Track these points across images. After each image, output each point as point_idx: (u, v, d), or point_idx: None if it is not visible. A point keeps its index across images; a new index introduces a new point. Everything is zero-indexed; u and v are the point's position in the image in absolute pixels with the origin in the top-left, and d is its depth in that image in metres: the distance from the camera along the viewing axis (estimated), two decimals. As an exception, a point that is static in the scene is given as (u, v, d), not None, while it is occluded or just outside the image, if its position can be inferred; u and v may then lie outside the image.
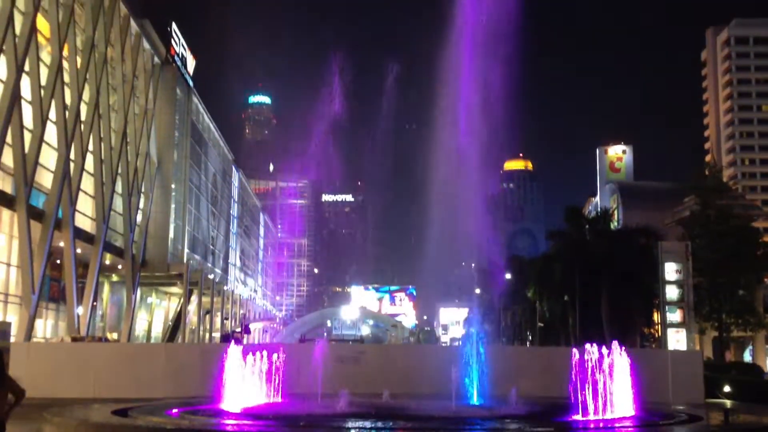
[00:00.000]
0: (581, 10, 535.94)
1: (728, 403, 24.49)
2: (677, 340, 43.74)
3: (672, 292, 44.29)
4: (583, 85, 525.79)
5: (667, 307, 44.04)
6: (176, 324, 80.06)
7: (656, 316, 56.48)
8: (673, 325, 44.10)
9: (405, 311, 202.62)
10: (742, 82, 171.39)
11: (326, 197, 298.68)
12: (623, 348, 18.93)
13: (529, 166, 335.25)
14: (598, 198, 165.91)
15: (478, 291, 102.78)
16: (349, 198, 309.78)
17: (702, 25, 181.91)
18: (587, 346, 18.66)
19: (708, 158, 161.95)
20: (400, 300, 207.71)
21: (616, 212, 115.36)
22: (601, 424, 16.83)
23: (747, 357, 65.26)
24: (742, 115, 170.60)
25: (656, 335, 57.75)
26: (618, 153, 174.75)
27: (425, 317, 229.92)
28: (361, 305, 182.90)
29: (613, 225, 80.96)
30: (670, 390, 25.56)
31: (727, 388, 28.53)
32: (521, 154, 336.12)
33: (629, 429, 16.62)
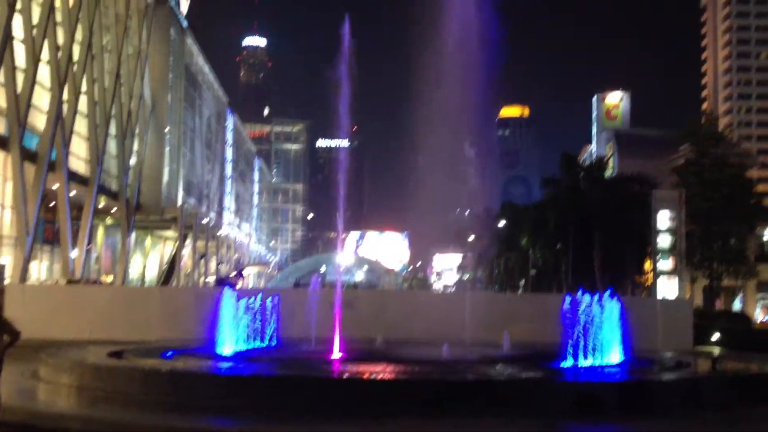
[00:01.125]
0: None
1: (717, 350, 24.79)
2: (669, 288, 44.10)
3: (664, 241, 44.48)
4: (580, 32, 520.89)
5: (659, 255, 44.29)
6: (171, 268, 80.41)
7: (648, 264, 56.84)
8: (664, 273, 44.40)
9: (399, 256, 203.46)
10: (742, 28, 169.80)
11: (321, 142, 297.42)
12: (614, 295, 19.07)
13: (525, 112, 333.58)
14: (594, 145, 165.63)
15: (472, 238, 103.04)
16: (344, 143, 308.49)
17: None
18: (578, 292, 18.79)
19: (705, 106, 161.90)
20: (395, 245, 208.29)
21: (611, 160, 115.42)
22: (589, 369, 17.05)
23: (737, 306, 65.80)
24: (740, 63, 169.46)
25: (647, 284, 58.22)
26: (615, 101, 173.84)
27: (419, 263, 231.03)
28: (356, 251, 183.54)
29: (609, 173, 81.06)
30: (659, 337, 25.83)
31: (716, 336, 28.84)
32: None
33: (616, 374, 16.85)
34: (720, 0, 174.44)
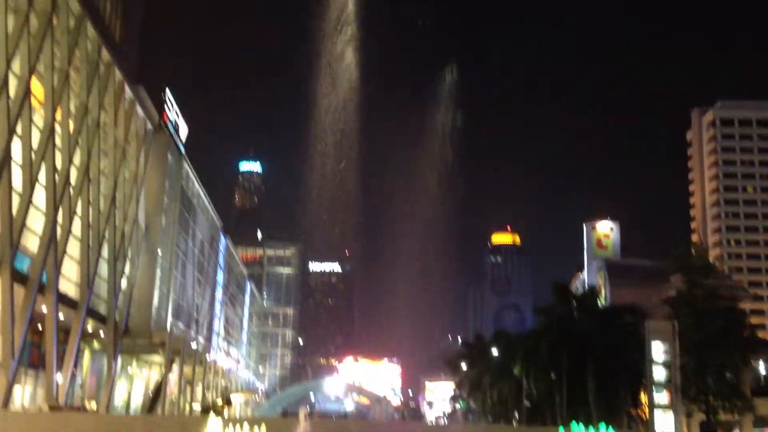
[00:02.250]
0: (568, 83, 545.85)
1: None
2: (665, 421, 43.26)
3: (659, 373, 44.03)
4: (569, 159, 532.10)
5: (654, 388, 43.69)
6: (156, 394, 78.61)
7: (643, 396, 55.99)
8: (660, 406, 43.69)
9: (391, 384, 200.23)
10: (728, 162, 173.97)
11: (313, 266, 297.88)
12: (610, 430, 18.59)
13: (517, 240, 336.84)
14: (585, 274, 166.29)
15: (464, 366, 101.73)
16: (336, 267, 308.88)
17: (686, 105, 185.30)
18: (573, 426, 18.33)
19: (694, 238, 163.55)
20: (386, 373, 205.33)
21: (603, 289, 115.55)
22: None
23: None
24: (727, 196, 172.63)
25: (643, 417, 57.15)
26: (605, 231, 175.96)
27: (410, 391, 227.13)
28: (345, 378, 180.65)
29: (601, 302, 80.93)
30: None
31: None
32: (509, 227, 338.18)
33: None
34: (705, 135, 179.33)
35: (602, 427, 17.26)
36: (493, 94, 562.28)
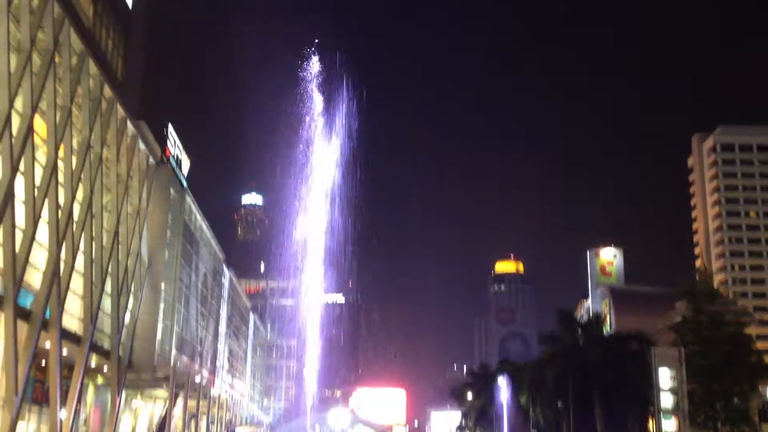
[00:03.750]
0: (570, 111, 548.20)
1: None
2: (673, 449, 42.95)
3: (666, 400, 43.83)
4: (572, 186, 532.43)
5: (662, 415, 43.43)
6: (161, 429, 78.15)
7: (651, 423, 55.64)
8: (668, 434, 43.39)
9: (397, 415, 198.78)
10: (729, 188, 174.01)
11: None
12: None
13: (520, 268, 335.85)
14: (590, 301, 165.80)
15: (470, 395, 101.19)
16: (340, 299, 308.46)
17: (688, 131, 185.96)
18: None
19: (698, 263, 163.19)
20: (392, 404, 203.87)
21: (608, 316, 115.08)
22: None
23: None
24: (730, 221, 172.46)
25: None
26: (609, 257, 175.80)
27: (416, 422, 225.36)
28: (351, 410, 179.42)
29: (606, 330, 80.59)
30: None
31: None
32: (512, 255, 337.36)
33: None
34: (707, 160, 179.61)
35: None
36: (494, 122, 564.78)
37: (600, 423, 55.99)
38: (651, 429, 57.36)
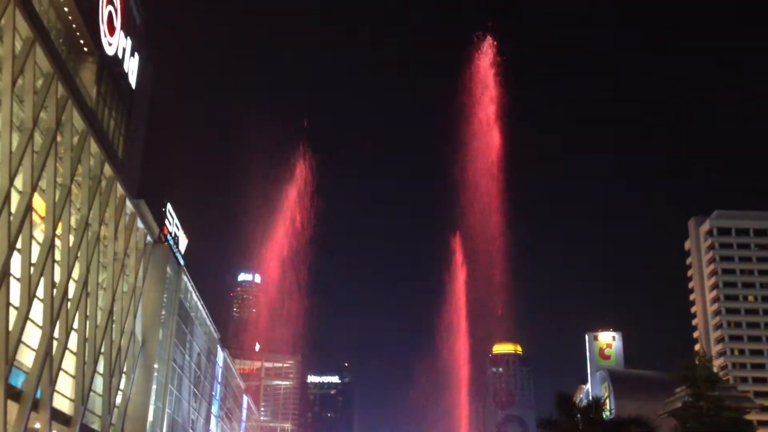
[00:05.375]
0: (567, 195, 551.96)
1: None
2: None
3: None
4: (570, 270, 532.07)
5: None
6: None
7: None
8: None
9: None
10: (727, 272, 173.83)
11: (312, 378, 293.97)
12: None
13: (519, 349, 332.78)
14: (589, 385, 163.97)
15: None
16: (335, 379, 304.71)
17: (686, 215, 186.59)
18: None
19: (697, 347, 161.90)
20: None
21: (608, 401, 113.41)
22: None
23: None
24: (728, 305, 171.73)
25: None
26: (608, 340, 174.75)
27: None
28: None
29: (606, 414, 79.21)
30: None
31: None
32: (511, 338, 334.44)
33: None
34: (703, 244, 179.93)
35: None
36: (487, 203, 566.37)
37: None
38: None
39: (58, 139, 54.26)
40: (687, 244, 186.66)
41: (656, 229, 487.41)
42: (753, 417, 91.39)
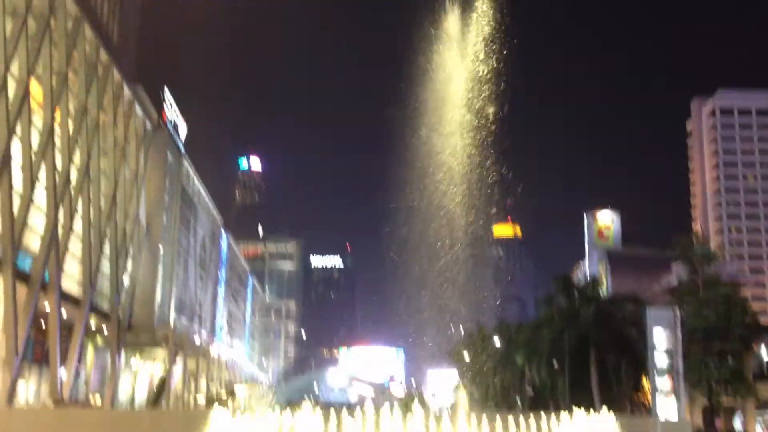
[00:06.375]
0: (567, 75, 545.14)
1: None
2: (668, 406, 43.38)
3: (661, 360, 44.03)
4: (570, 150, 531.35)
5: (656, 375, 43.79)
6: (161, 388, 78.93)
7: (646, 383, 56.17)
8: (662, 392, 43.78)
9: (395, 374, 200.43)
10: (728, 152, 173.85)
11: (315, 260, 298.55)
12: (612, 416, 18.83)
13: (518, 231, 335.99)
14: (586, 264, 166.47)
15: (466, 356, 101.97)
16: (338, 262, 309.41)
17: (687, 95, 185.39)
18: (576, 411, 18.54)
19: (695, 226, 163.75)
20: (389, 363, 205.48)
21: (604, 279, 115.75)
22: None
23: (737, 425, 64.64)
24: (728, 184, 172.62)
25: (646, 403, 57.39)
26: (606, 222, 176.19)
27: (412, 379, 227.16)
28: (348, 369, 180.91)
29: (602, 292, 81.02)
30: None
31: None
32: (509, 218, 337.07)
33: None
34: (705, 124, 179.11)
35: (604, 410, 17.54)
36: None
37: (595, 382, 56.53)
38: (645, 388, 57.92)
39: (52, 24, 53.33)
40: (689, 125, 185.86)
41: (658, 109, 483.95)
42: (747, 292, 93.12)
